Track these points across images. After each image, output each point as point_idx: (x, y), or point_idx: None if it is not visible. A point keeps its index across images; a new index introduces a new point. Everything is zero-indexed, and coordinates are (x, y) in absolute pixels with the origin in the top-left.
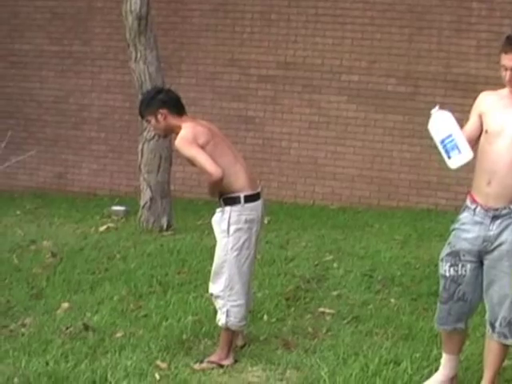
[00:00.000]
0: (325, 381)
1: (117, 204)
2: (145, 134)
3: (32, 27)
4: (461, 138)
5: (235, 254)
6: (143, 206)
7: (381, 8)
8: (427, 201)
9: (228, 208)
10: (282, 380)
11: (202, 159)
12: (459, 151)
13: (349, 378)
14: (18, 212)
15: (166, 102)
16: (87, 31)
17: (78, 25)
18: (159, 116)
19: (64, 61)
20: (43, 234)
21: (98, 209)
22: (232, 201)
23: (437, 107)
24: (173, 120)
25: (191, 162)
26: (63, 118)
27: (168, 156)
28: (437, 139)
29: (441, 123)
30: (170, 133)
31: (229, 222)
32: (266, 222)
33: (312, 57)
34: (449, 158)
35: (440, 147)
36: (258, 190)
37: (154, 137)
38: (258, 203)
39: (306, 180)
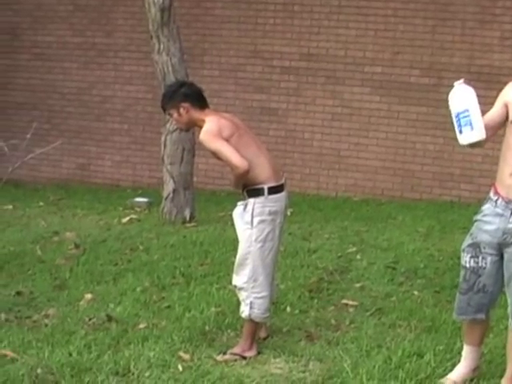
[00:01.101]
0: (347, 373)
1: (139, 195)
2: (168, 125)
3: (55, 19)
4: (477, 115)
5: (259, 245)
6: (166, 198)
7: None
8: (450, 193)
9: (252, 200)
10: (304, 372)
11: (228, 152)
12: (471, 128)
13: (372, 370)
14: (42, 203)
15: (188, 95)
16: (110, 23)
17: (100, 16)
18: (181, 110)
19: (87, 52)
20: (66, 226)
21: (121, 200)
22: (256, 192)
23: (461, 80)
24: (195, 114)
25: (216, 156)
26: (86, 109)
27: (191, 148)
28: (453, 111)
29: (460, 97)
30: (192, 126)
31: (252, 213)
32: (288, 213)
33: (335, 48)
34: (460, 132)
35: (454, 120)
36: (282, 181)
37: (176, 128)
38: (282, 195)
39: (328, 172)
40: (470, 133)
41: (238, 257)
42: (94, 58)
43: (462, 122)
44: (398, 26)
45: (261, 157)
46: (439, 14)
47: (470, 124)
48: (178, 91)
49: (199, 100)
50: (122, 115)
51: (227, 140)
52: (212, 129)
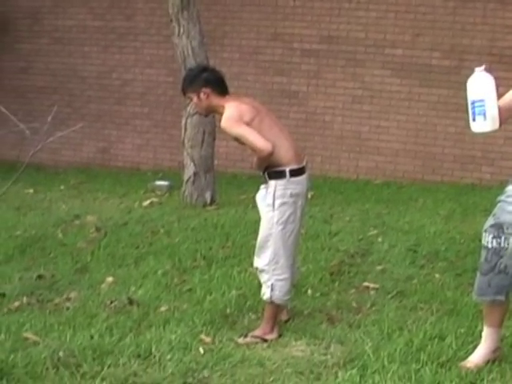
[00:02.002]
0: (369, 356)
1: (160, 179)
2: (188, 108)
3: (75, 3)
4: (492, 106)
5: (280, 227)
6: (187, 181)
7: None
8: (472, 175)
9: (273, 182)
10: (326, 354)
11: (251, 136)
12: (485, 118)
13: (393, 353)
14: (62, 187)
15: (210, 81)
16: (130, 6)
17: (120, 0)
18: (202, 95)
19: (107, 36)
20: (87, 209)
21: (142, 184)
22: (277, 175)
23: (483, 67)
24: (215, 99)
25: (240, 141)
26: (106, 93)
27: (212, 131)
28: (469, 98)
29: (478, 85)
30: (211, 112)
31: (274, 195)
32: (309, 196)
33: (355, 31)
34: (473, 120)
35: (469, 107)
36: (304, 163)
37: (197, 111)
38: (304, 177)
39: (349, 154)
40: (483, 122)
41: (259, 239)
42: (114, 42)
43: (477, 110)
44: (419, 8)
45: (283, 139)
46: None
47: (484, 114)
48: (199, 76)
49: (220, 86)
50: (142, 98)
51: (249, 124)
52: (233, 115)
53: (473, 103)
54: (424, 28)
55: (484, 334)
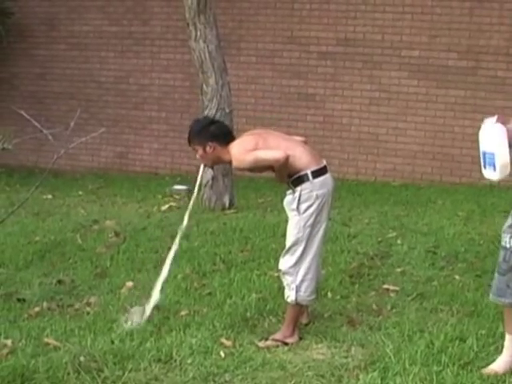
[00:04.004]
0: (390, 358)
1: (178, 183)
2: (206, 112)
3: (91, 9)
4: (502, 159)
5: (308, 230)
6: (205, 185)
7: None
8: None
9: (298, 188)
10: (346, 357)
11: (261, 154)
12: (494, 169)
13: (414, 355)
14: (81, 192)
15: (216, 135)
16: (146, 11)
17: (136, 5)
18: (208, 148)
19: (123, 41)
20: (106, 214)
21: (160, 188)
22: (300, 180)
23: (494, 118)
24: (221, 152)
25: (256, 169)
26: (124, 98)
27: None
28: (481, 147)
29: (489, 137)
30: (217, 163)
31: (299, 200)
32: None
33: (372, 33)
34: (484, 167)
35: (481, 155)
36: (324, 163)
37: (215, 115)
38: (327, 177)
39: (367, 157)
40: (493, 173)
41: (287, 243)
42: (131, 47)
43: (487, 160)
44: (435, 9)
45: (294, 147)
46: None
47: (494, 166)
48: (206, 129)
49: (226, 139)
50: (159, 103)
51: (255, 149)
52: (238, 151)
53: (484, 153)
54: (440, 29)
55: (506, 341)
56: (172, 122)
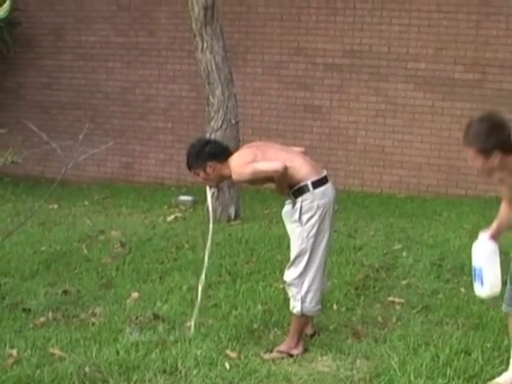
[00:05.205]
0: (395, 370)
1: (184, 194)
2: (212, 123)
3: (98, 19)
4: (490, 276)
5: (311, 241)
6: (212, 195)
7: None
8: (496, 189)
9: (299, 199)
10: (352, 370)
11: (260, 166)
12: (482, 285)
13: (419, 368)
14: (87, 202)
15: (213, 154)
16: (153, 22)
17: (143, 16)
18: (208, 168)
19: (130, 52)
20: (111, 224)
21: (166, 199)
22: (301, 191)
23: (486, 235)
24: (221, 168)
25: (256, 181)
26: (130, 108)
27: (235, 146)
28: (472, 262)
29: (479, 253)
30: (221, 181)
31: (301, 211)
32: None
33: (378, 45)
34: (474, 281)
35: (472, 269)
36: (324, 173)
37: (221, 126)
38: (328, 186)
39: (373, 168)
40: (480, 288)
41: (292, 255)
42: (138, 57)
43: (476, 275)
44: (442, 22)
45: (293, 158)
46: (483, 8)
47: (481, 281)
48: (202, 150)
49: (224, 155)
50: (165, 114)
51: (254, 161)
52: (237, 164)
53: (474, 268)
54: (447, 41)
55: None
56: (178, 132)
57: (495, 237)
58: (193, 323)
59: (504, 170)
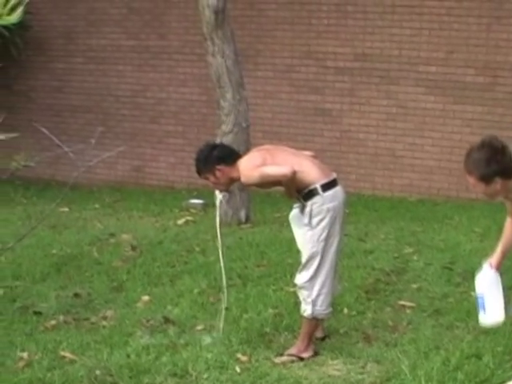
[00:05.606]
0: (406, 374)
1: (195, 197)
2: (223, 127)
3: (109, 22)
4: (492, 303)
5: (322, 244)
6: (222, 201)
7: None
8: None
9: (309, 202)
10: (362, 373)
11: (269, 170)
12: (484, 312)
13: (430, 372)
14: (97, 205)
15: (221, 157)
16: (164, 25)
17: (154, 19)
18: (217, 172)
19: (141, 55)
20: (122, 228)
21: (176, 202)
22: (311, 194)
23: (488, 264)
24: (230, 171)
25: (264, 185)
26: (141, 111)
27: (246, 150)
28: (475, 290)
29: (481, 281)
30: (231, 184)
31: (311, 214)
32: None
33: (389, 48)
34: (478, 310)
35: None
36: (334, 176)
37: (232, 130)
38: (337, 189)
39: (384, 172)
40: (483, 316)
41: (303, 258)
42: (148, 61)
43: (479, 303)
44: (453, 25)
45: (302, 162)
46: (494, 11)
47: (484, 309)
48: (210, 155)
49: (232, 157)
50: (176, 117)
51: (263, 165)
52: (246, 166)
53: (477, 296)
54: (458, 45)
55: None
56: (189, 136)
57: (499, 264)
58: (221, 326)
59: (506, 192)
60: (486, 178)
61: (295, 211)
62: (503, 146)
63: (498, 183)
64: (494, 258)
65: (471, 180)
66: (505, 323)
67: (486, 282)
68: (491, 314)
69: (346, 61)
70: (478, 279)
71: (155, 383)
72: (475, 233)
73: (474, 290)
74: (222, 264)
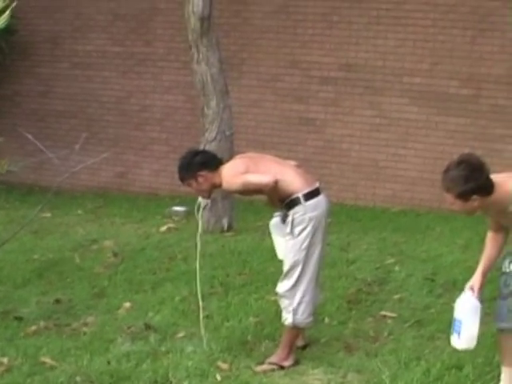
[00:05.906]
0: None
1: (177, 204)
2: (206, 135)
3: (95, 28)
4: (468, 330)
5: (304, 253)
6: (204, 207)
7: (443, 10)
8: None
9: (291, 211)
10: (343, 383)
11: (251, 178)
12: (459, 337)
13: (410, 383)
14: (80, 211)
15: (204, 163)
16: (149, 32)
17: (140, 26)
18: (200, 178)
19: (126, 62)
20: (105, 234)
21: (159, 209)
22: (293, 203)
23: (469, 289)
24: (213, 177)
25: (245, 192)
26: (125, 118)
27: (229, 158)
28: (454, 313)
29: (461, 307)
30: (213, 190)
31: (293, 223)
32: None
33: (374, 59)
34: (452, 333)
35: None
36: (316, 185)
37: (215, 138)
38: (320, 198)
39: (366, 182)
40: (457, 340)
41: (285, 267)
42: (133, 67)
43: (455, 326)
44: (437, 37)
45: (285, 171)
46: (478, 24)
47: (459, 333)
48: (192, 161)
49: (214, 163)
50: (160, 124)
51: (246, 173)
52: (228, 173)
53: (454, 319)
54: (442, 56)
55: (503, 375)
56: (172, 143)
57: (481, 287)
58: (203, 333)
59: (485, 209)
60: (463, 196)
61: (276, 219)
62: (481, 164)
63: (475, 200)
64: (476, 281)
65: (449, 197)
66: (485, 335)
67: (466, 309)
68: (465, 340)
69: (331, 70)
70: (459, 304)
71: None
72: (457, 244)
73: (455, 301)
74: (197, 271)
